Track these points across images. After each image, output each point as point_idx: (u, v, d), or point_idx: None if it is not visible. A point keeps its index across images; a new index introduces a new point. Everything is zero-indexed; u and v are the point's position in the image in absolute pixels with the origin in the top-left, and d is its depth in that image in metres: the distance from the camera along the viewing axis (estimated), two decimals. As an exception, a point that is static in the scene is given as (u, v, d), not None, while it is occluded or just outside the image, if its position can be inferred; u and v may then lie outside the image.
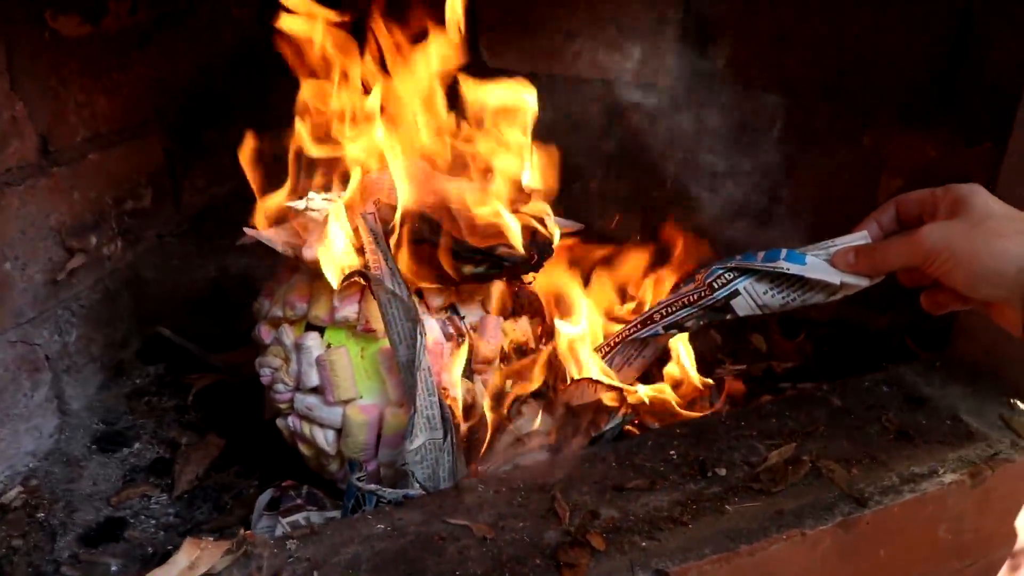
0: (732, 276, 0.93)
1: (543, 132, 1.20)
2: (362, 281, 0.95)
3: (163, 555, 1.06)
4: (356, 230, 0.96)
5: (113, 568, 1.05)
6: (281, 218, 1.15)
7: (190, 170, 1.62)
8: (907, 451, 0.98)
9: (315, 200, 1.08)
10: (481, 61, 1.77)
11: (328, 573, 0.78)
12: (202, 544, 0.78)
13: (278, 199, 1.08)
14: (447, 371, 0.99)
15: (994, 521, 1.00)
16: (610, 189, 1.81)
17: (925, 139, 1.45)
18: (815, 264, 0.88)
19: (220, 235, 1.68)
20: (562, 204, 1.27)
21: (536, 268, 1.03)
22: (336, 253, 0.94)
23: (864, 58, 1.47)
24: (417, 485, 0.93)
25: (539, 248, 1.02)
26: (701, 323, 0.98)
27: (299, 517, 0.89)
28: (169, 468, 1.25)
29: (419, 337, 0.92)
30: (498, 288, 1.06)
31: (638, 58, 1.64)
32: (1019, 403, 1.08)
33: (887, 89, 1.47)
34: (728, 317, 0.95)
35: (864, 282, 0.88)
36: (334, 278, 0.94)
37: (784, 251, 0.91)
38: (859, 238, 0.89)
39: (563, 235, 1.12)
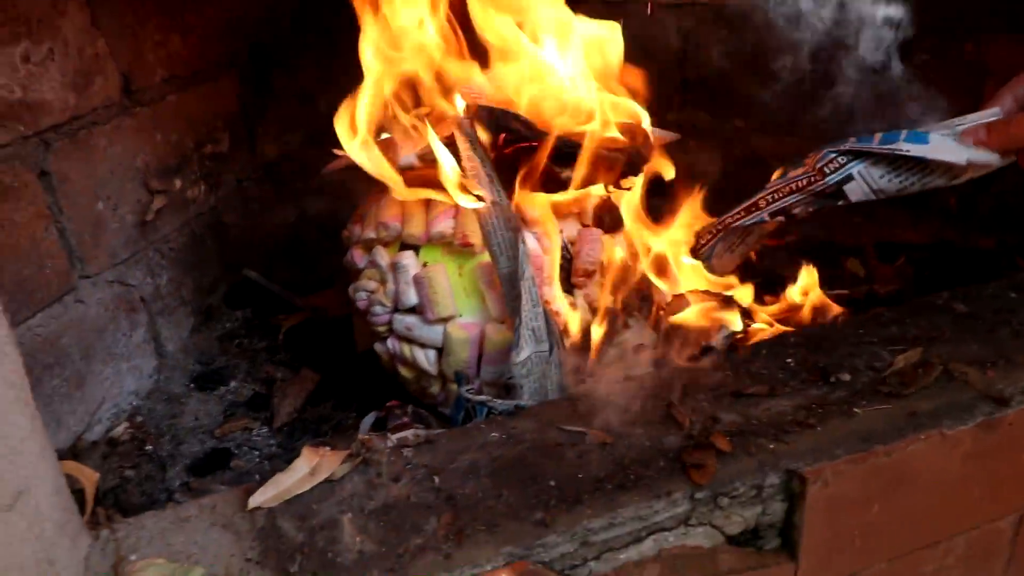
0: (845, 160, 0.88)
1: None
2: (463, 193, 0.92)
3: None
4: (451, 138, 0.93)
5: (224, 494, 1.06)
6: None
7: (262, 116, 1.61)
8: (1042, 352, 0.92)
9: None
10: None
11: (448, 478, 0.76)
12: (320, 452, 0.77)
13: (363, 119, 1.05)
14: (548, 284, 0.96)
15: None
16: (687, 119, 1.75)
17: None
18: (939, 143, 0.82)
19: (295, 180, 1.68)
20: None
21: (640, 165, 0.99)
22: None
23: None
24: (526, 397, 0.90)
25: (638, 148, 0.97)
26: (810, 209, 0.93)
27: (408, 434, 0.88)
28: (267, 403, 1.25)
29: (521, 246, 0.89)
30: (594, 199, 1.02)
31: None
32: None
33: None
34: (840, 203, 0.90)
35: (994, 160, 0.82)
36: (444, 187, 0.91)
37: (904, 132, 0.85)
38: (991, 114, 0.83)
39: (659, 143, 1.07)
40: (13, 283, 1.03)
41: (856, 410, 0.84)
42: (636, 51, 1.48)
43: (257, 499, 0.74)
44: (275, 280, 1.53)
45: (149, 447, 1.18)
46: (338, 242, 1.23)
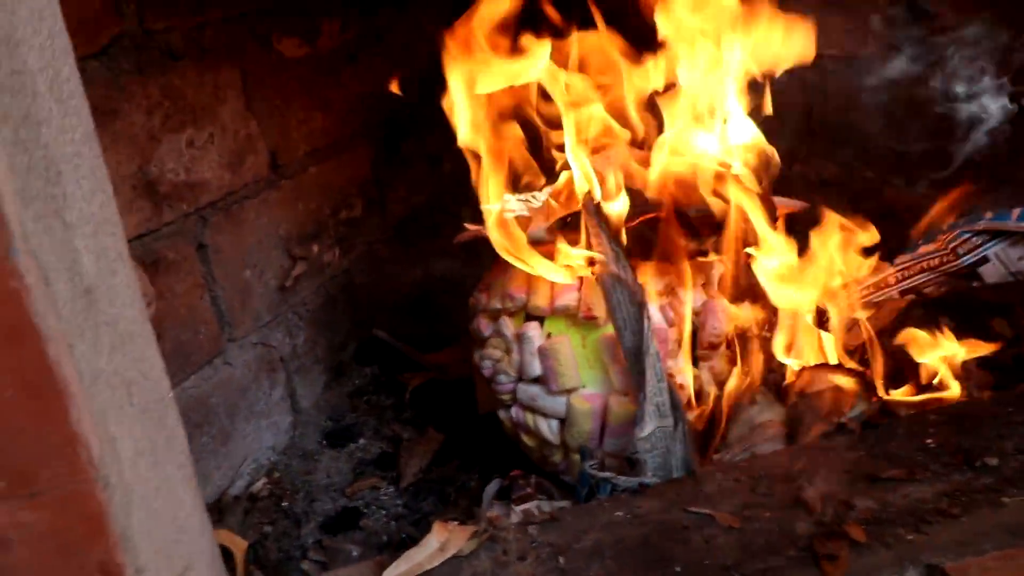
0: (981, 240, 0.84)
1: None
2: (587, 267, 0.94)
3: (398, 543, 1.12)
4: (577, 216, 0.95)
5: (354, 554, 1.11)
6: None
7: (392, 180, 1.70)
8: None
9: (511, 201, 1.10)
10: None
11: (572, 558, 0.78)
12: (450, 527, 0.80)
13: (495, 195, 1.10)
14: (672, 357, 0.96)
15: None
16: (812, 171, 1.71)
17: None
18: None
19: (422, 240, 1.76)
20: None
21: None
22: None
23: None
24: (649, 474, 0.90)
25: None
26: (943, 289, 0.89)
27: (531, 506, 0.89)
28: (394, 461, 1.30)
29: (646, 322, 0.90)
30: (719, 271, 1.02)
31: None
32: None
33: None
34: (975, 284, 0.86)
35: None
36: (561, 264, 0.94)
37: None
38: None
39: (786, 214, 1.06)
40: (172, 349, 1.13)
41: (1004, 499, 0.79)
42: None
43: (391, 573, 0.77)
44: (401, 337, 1.60)
45: (285, 503, 1.25)
46: (462, 300, 1.27)
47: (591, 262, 0.94)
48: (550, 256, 0.98)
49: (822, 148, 1.69)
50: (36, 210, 0.45)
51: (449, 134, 1.30)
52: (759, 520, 0.80)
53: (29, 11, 0.48)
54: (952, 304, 1.43)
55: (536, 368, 1.02)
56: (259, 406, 1.32)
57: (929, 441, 0.89)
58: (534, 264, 0.97)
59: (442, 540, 0.79)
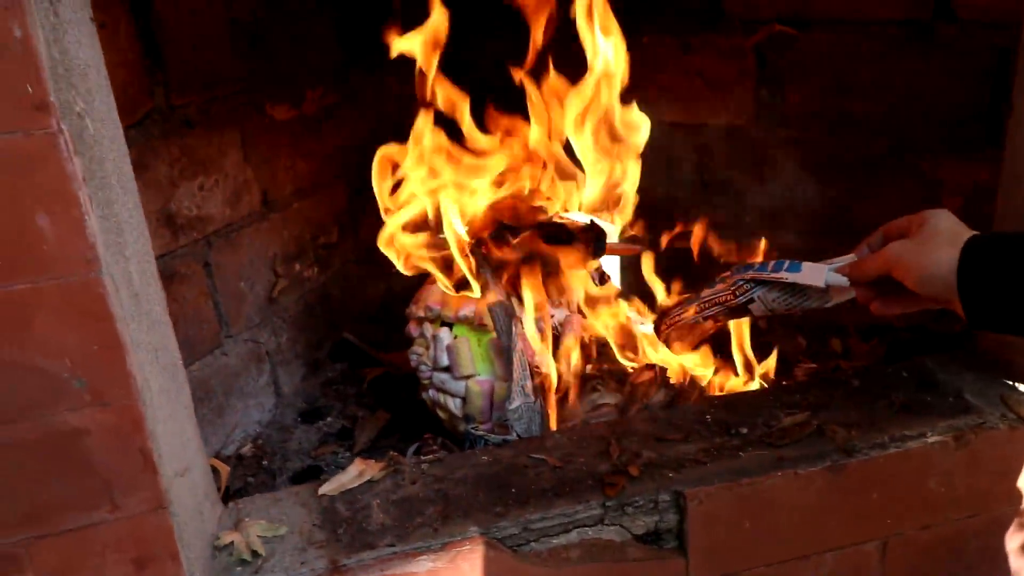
0: (750, 286, 1.20)
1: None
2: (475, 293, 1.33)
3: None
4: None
5: (311, 495, 1.48)
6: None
7: (364, 211, 2.09)
8: (904, 420, 1.22)
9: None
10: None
11: (446, 484, 1.16)
12: (367, 463, 1.19)
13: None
14: (540, 355, 1.34)
15: (988, 481, 1.20)
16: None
17: (976, 165, 1.63)
18: (808, 271, 1.14)
19: (387, 262, 2.15)
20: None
21: (597, 251, 1.36)
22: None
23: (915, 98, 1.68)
24: (515, 435, 1.28)
25: (596, 234, 1.36)
26: (730, 318, 1.26)
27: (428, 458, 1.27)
28: (351, 434, 1.68)
29: (514, 328, 1.29)
30: (579, 294, 1.41)
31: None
32: (1020, 386, 1.27)
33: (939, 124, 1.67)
34: (746, 316, 1.22)
35: (850, 291, 1.11)
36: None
37: (787, 262, 1.18)
38: (850, 258, 1.13)
39: (619, 250, 1.45)
40: (182, 340, 1.48)
41: (741, 454, 1.17)
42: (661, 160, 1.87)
43: (324, 489, 1.16)
44: (366, 340, 1.98)
45: (265, 462, 1.63)
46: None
47: (483, 286, 1.32)
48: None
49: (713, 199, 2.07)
50: (112, 251, 0.85)
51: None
52: (575, 463, 1.18)
53: (108, 140, 0.87)
54: (814, 324, 1.81)
55: (445, 360, 1.40)
56: (248, 388, 1.71)
57: (707, 417, 1.27)
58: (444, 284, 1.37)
59: (361, 470, 1.17)
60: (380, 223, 2.17)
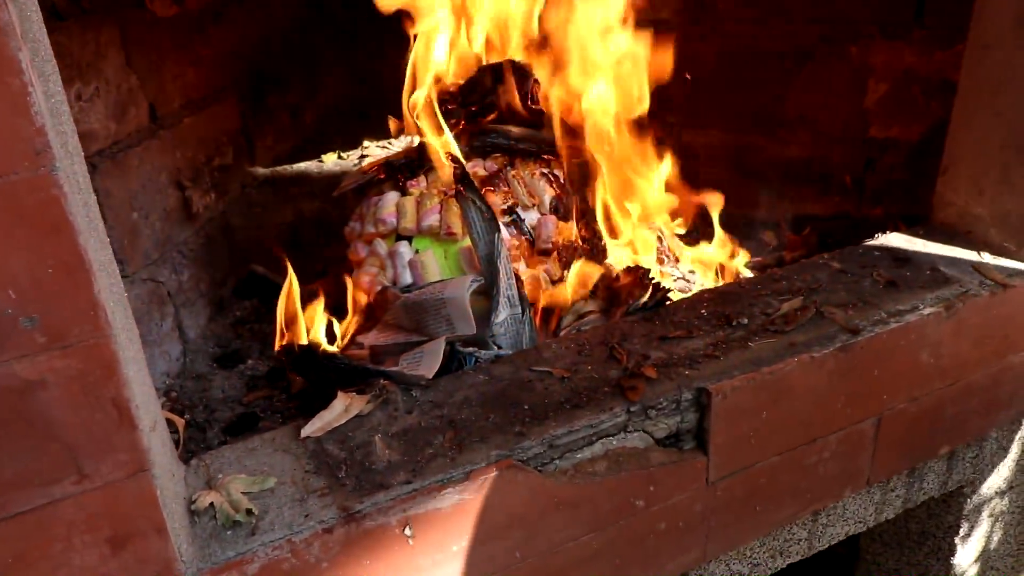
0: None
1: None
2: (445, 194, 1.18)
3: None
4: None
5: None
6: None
7: (260, 130, 1.85)
8: (893, 295, 1.21)
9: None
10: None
11: (449, 409, 1.03)
12: (350, 395, 1.03)
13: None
14: (516, 261, 1.22)
15: (968, 347, 1.23)
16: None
17: (905, 47, 1.64)
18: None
19: (290, 185, 1.92)
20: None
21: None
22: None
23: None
24: (504, 349, 1.17)
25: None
26: None
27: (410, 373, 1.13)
28: (283, 375, 1.49)
29: (496, 232, 1.15)
30: (550, 194, 1.29)
31: None
32: (986, 254, 1.30)
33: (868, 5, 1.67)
34: None
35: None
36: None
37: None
38: None
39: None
40: (78, 282, 1.26)
41: (750, 344, 1.12)
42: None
43: (307, 430, 0.99)
44: (275, 272, 1.77)
45: (187, 416, 1.41)
46: (330, 238, 1.46)
47: (452, 188, 1.17)
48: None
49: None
50: (59, 139, 0.63)
51: (308, 87, 1.48)
52: (583, 372, 1.09)
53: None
54: (740, 222, 1.80)
55: (407, 278, 1.25)
56: (151, 336, 1.47)
57: (703, 311, 1.21)
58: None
59: (346, 404, 1.02)
60: (276, 144, 1.95)
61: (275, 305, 1.69)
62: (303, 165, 1.94)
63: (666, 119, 1.97)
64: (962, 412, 1.29)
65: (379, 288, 1.25)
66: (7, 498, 0.69)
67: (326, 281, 1.71)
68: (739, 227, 1.80)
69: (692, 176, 1.73)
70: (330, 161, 2.02)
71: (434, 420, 1.01)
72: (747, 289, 1.26)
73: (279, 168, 1.90)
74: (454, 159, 1.19)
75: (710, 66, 1.85)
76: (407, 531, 0.90)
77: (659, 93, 1.93)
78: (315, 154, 2.03)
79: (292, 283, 1.40)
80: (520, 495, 0.96)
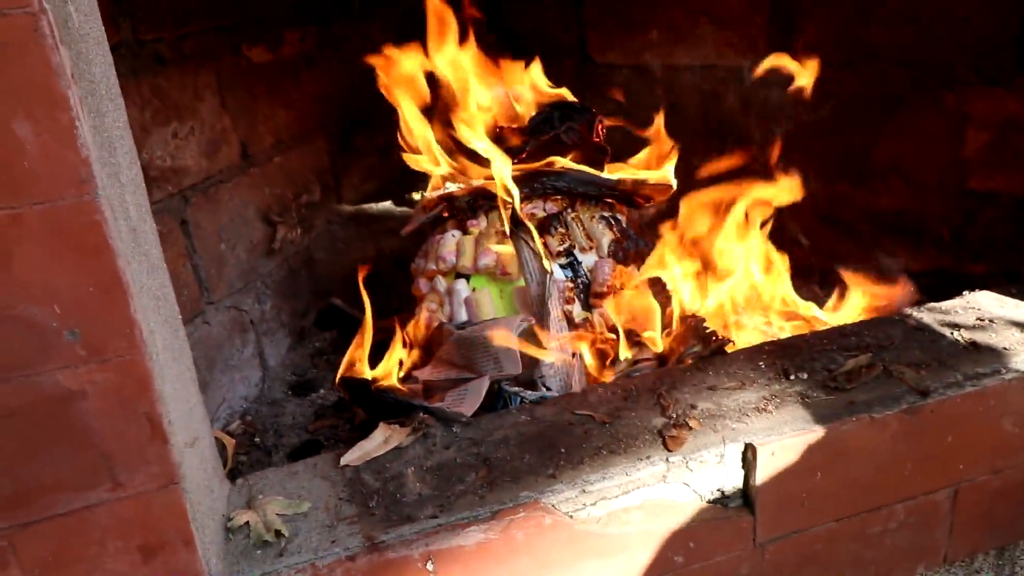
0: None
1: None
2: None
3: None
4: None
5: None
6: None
7: (347, 169, 1.94)
8: (973, 356, 1.13)
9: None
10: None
11: (486, 447, 1.03)
12: (391, 427, 1.05)
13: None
14: (570, 303, 1.22)
15: (1061, 418, 1.12)
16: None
17: (1007, 95, 1.55)
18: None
19: (373, 222, 2.00)
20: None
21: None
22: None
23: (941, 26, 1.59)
24: (552, 392, 1.16)
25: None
26: None
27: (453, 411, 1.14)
28: (348, 407, 1.54)
29: (548, 274, 1.16)
30: (609, 237, 1.28)
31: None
32: (1085, 317, 1.19)
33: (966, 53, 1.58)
34: None
35: None
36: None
37: None
38: None
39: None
40: (162, 306, 1.35)
41: (807, 400, 1.07)
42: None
43: (346, 459, 1.01)
44: (355, 306, 1.83)
45: (257, 439, 1.47)
46: (407, 274, 1.50)
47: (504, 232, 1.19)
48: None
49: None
50: (107, 171, 0.69)
51: (391, 130, 1.55)
52: (627, 418, 1.06)
53: (94, 40, 0.71)
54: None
55: (463, 315, 1.27)
56: (233, 361, 1.55)
57: (760, 363, 1.16)
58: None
59: (386, 435, 1.04)
60: (363, 183, 2.03)
61: (351, 338, 1.75)
62: (386, 204, 2.02)
63: (754, 166, 1.94)
64: (1057, 491, 1.17)
65: (436, 324, 1.28)
66: (48, 499, 0.74)
67: (401, 317, 1.76)
68: (826, 279, 1.73)
69: (777, 223, 1.68)
70: (415, 199, 2.09)
71: (470, 457, 1.02)
72: (812, 342, 1.21)
73: (364, 206, 1.98)
74: (509, 201, 1.21)
75: (797, 111, 1.80)
76: (429, 566, 0.90)
77: (746, 138, 1.91)
78: (401, 193, 2.10)
79: (367, 320, 1.44)
80: (549, 540, 0.94)
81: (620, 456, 0.99)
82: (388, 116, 2.06)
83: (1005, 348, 1.14)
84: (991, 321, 1.22)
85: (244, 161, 1.56)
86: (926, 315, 1.25)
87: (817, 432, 1.01)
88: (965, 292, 1.32)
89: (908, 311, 1.26)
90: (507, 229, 1.20)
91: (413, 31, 1.64)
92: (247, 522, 0.92)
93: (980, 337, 1.17)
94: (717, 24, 1.82)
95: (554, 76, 1.71)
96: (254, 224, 1.60)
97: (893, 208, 1.77)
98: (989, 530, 1.17)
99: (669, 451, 0.99)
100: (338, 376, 1.39)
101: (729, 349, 1.23)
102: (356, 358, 1.36)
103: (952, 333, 1.19)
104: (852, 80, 1.73)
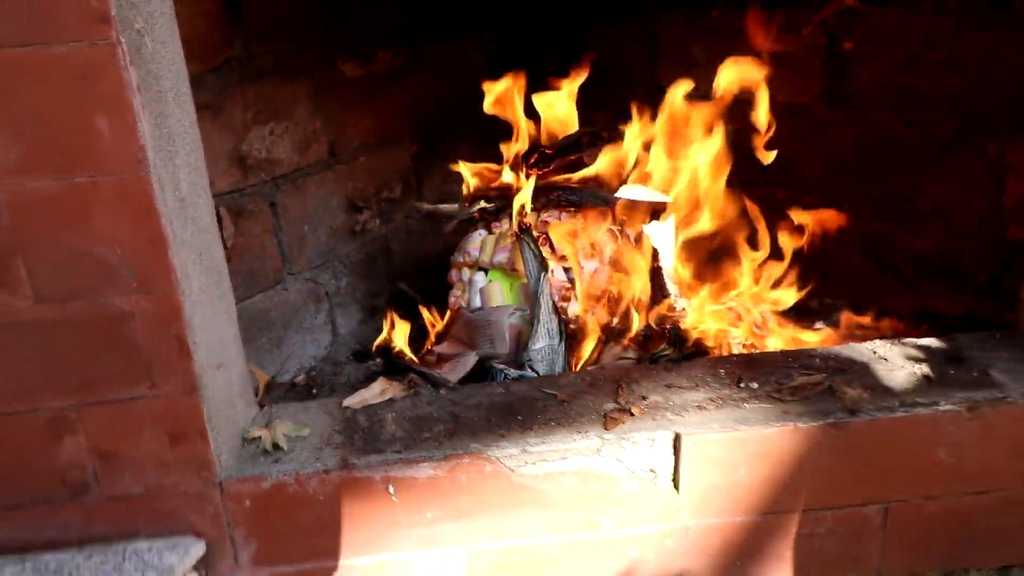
0: None
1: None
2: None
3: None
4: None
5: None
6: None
7: (429, 171, 2.20)
8: (923, 389, 1.21)
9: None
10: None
11: (460, 408, 1.23)
12: (389, 382, 1.28)
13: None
14: (566, 301, 1.40)
15: (1002, 456, 1.18)
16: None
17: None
18: None
19: (446, 219, 2.24)
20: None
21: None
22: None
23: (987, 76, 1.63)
24: (538, 373, 1.35)
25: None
26: None
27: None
28: (394, 372, 1.78)
29: (543, 273, 1.35)
30: (610, 247, 1.45)
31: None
32: (1050, 364, 1.23)
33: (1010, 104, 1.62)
34: None
35: None
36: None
37: None
38: None
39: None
40: (247, 271, 1.65)
41: (746, 405, 1.20)
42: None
43: (347, 402, 1.26)
44: (420, 292, 2.08)
45: (315, 391, 1.75)
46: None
47: (515, 234, 1.39)
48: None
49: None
50: (161, 156, 0.96)
51: (478, 139, 1.79)
52: (583, 400, 1.24)
53: (167, 61, 0.99)
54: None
55: (477, 302, 1.48)
56: (306, 324, 1.83)
57: (721, 371, 1.29)
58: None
59: (383, 388, 1.27)
60: (444, 183, 2.29)
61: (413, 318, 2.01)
62: (456, 204, 2.25)
63: (804, 200, 2.02)
64: (1004, 526, 1.23)
65: (456, 308, 1.50)
66: (105, 388, 1.03)
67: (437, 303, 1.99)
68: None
69: (818, 256, 1.77)
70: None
71: (444, 414, 1.23)
72: (777, 359, 1.32)
73: (441, 205, 2.23)
74: (521, 209, 1.41)
75: (846, 151, 1.87)
76: (391, 489, 1.12)
77: (796, 172, 1.99)
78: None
79: (420, 306, 1.69)
80: (487, 484, 1.13)
81: (563, 428, 1.17)
82: (472, 127, 2.31)
83: (955, 385, 1.21)
84: (959, 360, 1.28)
85: (331, 158, 1.84)
86: (896, 348, 1.33)
87: (742, 432, 1.14)
88: (951, 335, 1.38)
89: (878, 342, 1.34)
90: (514, 232, 1.40)
91: (499, 52, 1.86)
92: (259, 436, 1.18)
93: (939, 372, 1.25)
94: (776, 64, 1.93)
95: (625, 101, 1.88)
96: (336, 212, 1.88)
97: (932, 250, 1.80)
98: (926, 553, 1.24)
99: (606, 430, 1.15)
100: (374, 345, 1.64)
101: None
102: (393, 333, 1.60)
103: (913, 367, 1.27)
104: (900, 125, 1.78)
